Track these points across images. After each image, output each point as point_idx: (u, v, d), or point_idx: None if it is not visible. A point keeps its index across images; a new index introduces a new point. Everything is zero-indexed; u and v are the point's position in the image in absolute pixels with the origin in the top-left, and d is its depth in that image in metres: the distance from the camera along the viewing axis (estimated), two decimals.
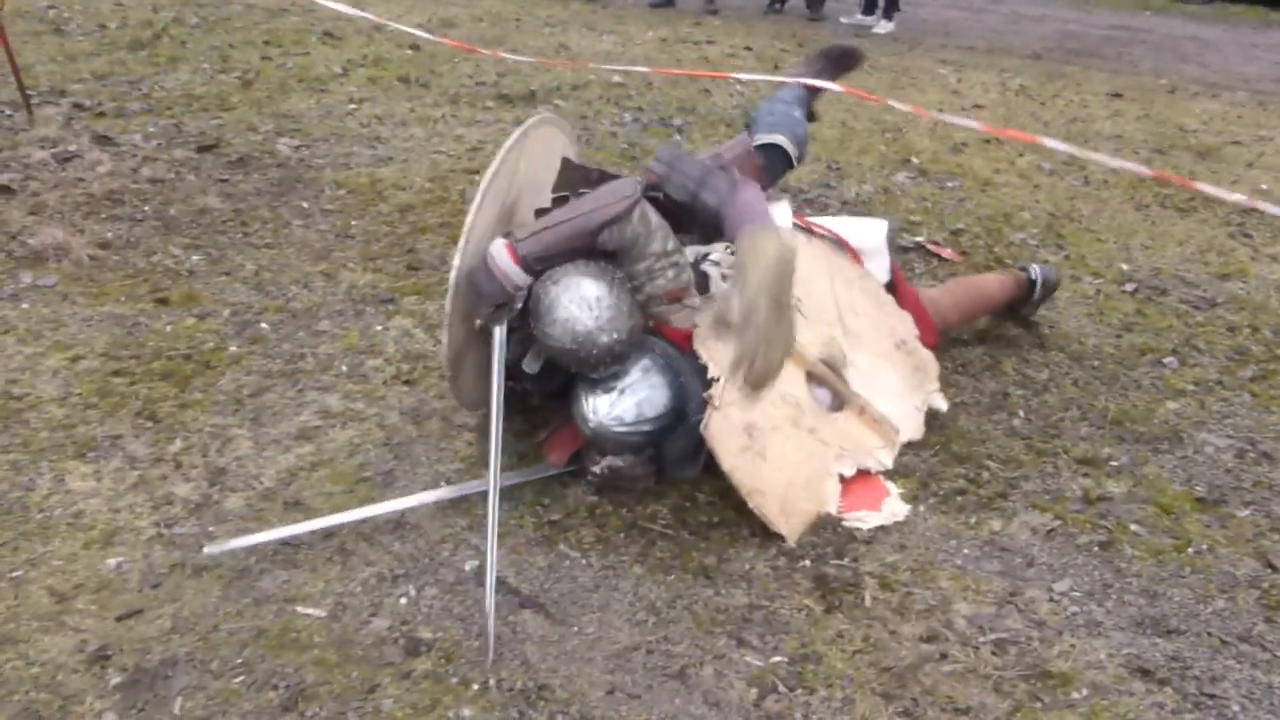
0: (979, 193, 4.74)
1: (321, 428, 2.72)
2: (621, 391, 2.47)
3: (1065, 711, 2.07)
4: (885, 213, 4.39)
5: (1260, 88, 7.09)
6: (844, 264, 3.05)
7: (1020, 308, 3.48)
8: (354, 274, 3.49)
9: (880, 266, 3.10)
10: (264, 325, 3.16)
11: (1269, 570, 2.48)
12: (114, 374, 2.85)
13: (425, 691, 1.98)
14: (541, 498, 2.54)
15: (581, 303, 2.38)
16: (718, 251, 2.74)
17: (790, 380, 2.67)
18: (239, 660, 2.01)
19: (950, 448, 2.83)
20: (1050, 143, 3.68)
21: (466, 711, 1.95)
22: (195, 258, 3.51)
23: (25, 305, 3.17)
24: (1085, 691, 2.10)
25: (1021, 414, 3.02)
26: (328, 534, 2.34)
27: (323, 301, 3.31)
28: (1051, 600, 2.33)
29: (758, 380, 2.29)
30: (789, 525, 2.45)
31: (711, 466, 2.53)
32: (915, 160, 5.05)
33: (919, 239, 4.15)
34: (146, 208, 3.81)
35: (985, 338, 3.43)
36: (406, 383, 2.95)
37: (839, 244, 3.07)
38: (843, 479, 2.62)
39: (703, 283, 2.68)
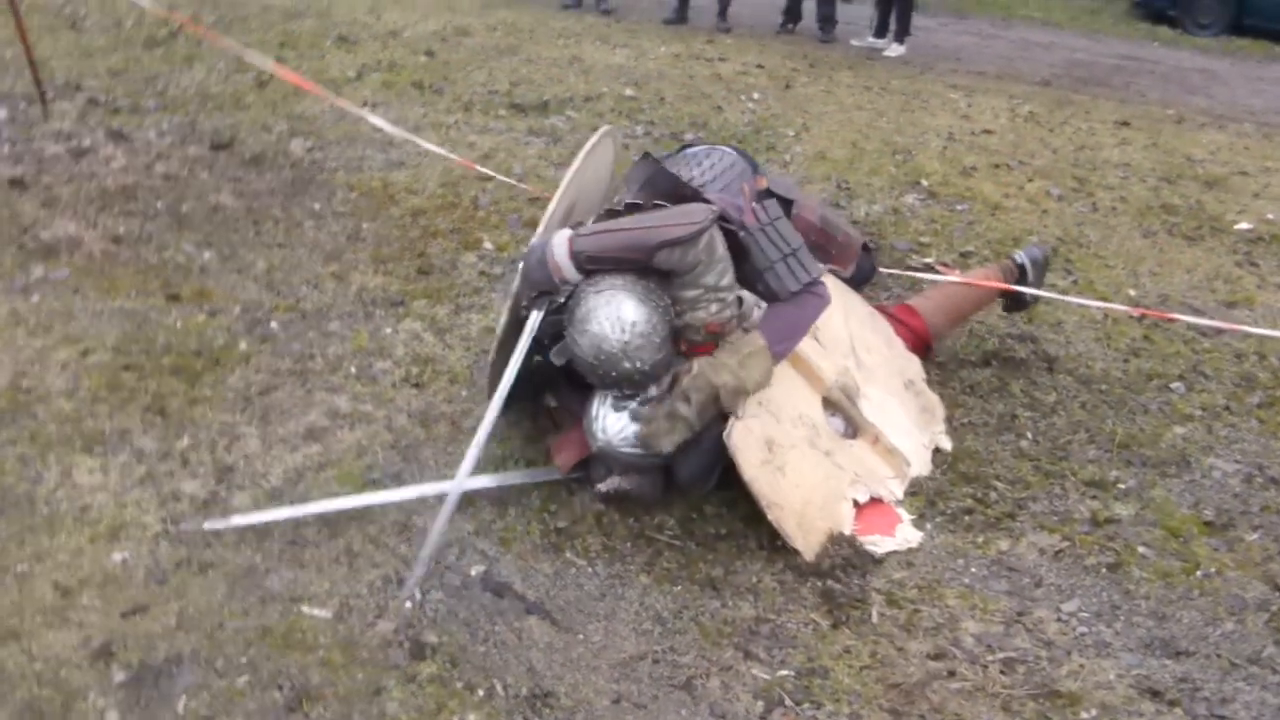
0: (989, 216, 4.74)
1: (329, 428, 2.71)
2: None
3: None
4: (895, 234, 4.40)
5: (1266, 120, 7.11)
6: (856, 301, 3.07)
7: (1020, 300, 3.48)
8: (364, 276, 3.49)
9: None
10: (274, 324, 3.15)
11: (1278, 593, 2.47)
12: (124, 368, 2.84)
13: (431, 695, 1.97)
14: (549, 504, 2.53)
15: (616, 323, 2.34)
16: None
17: (807, 403, 2.68)
18: (243, 659, 2.00)
19: (958, 467, 2.83)
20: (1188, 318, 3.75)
21: (471, 716, 1.94)
22: (207, 255, 3.51)
23: (36, 298, 3.16)
24: (1094, 711, 2.09)
25: (1029, 435, 3.02)
26: (333, 535, 2.34)
27: (333, 302, 3.31)
28: (1060, 620, 2.32)
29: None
30: (806, 541, 2.44)
31: (721, 480, 2.53)
32: (925, 183, 5.06)
33: (928, 260, 4.15)
34: (159, 204, 3.81)
35: (992, 360, 3.43)
36: (415, 386, 2.94)
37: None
38: (857, 504, 2.60)
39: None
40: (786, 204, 2.92)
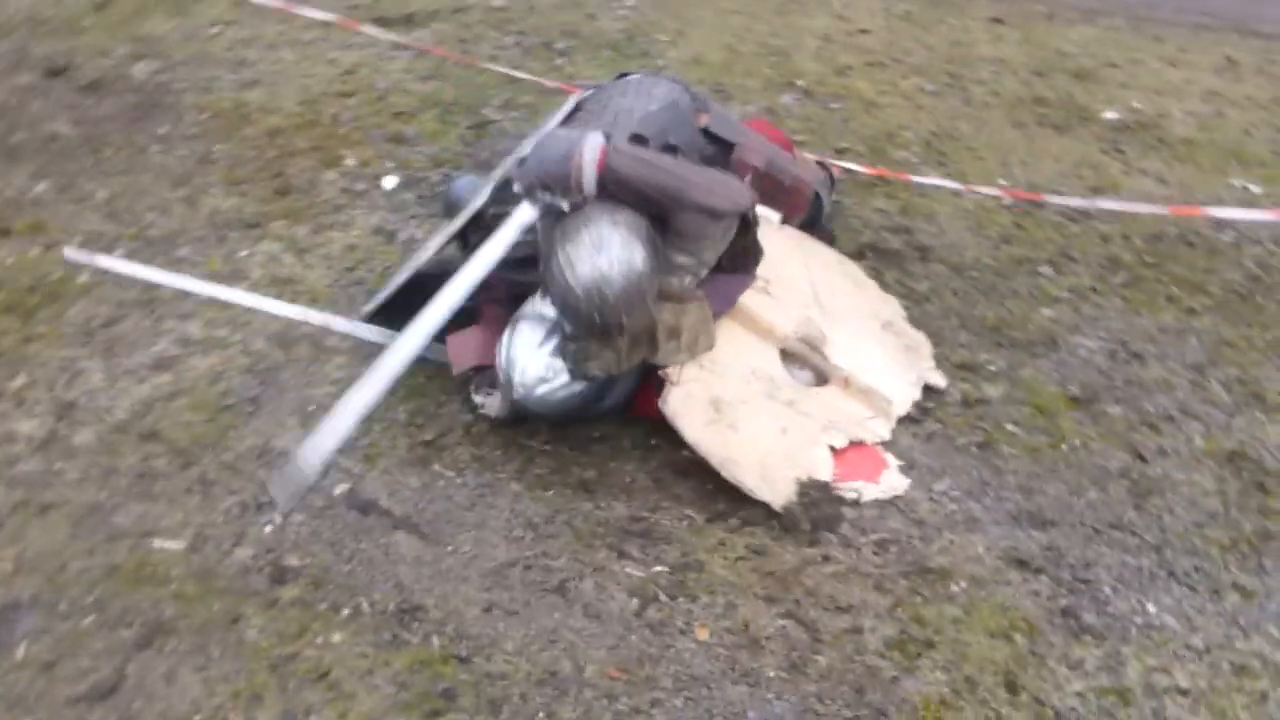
0: (863, 113, 4.72)
1: (180, 356, 2.57)
2: (557, 370, 2.31)
3: (945, 604, 2.10)
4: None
5: (1136, 12, 7.21)
6: (819, 248, 2.98)
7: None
8: (216, 199, 3.31)
9: None
10: (118, 254, 2.97)
11: (1139, 461, 2.54)
12: None
13: (293, 619, 1.90)
14: (416, 418, 2.45)
15: (627, 268, 2.16)
16: None
17: (760, 356, 2.57)
18: (90, 599, 1.90)
19: None
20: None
21: (336, 636, 1.88)
22: (41, 186, 3.28)
23: None
24: (964, 584, 2.13)
25: None
26: (186, 464, 2.23)
27: (182, 228, 3.14)
28: (931, 500, 2.35)
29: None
30: (773, 492, 2.30)
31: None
32: (800, 83, 5.01)
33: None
34: None
35: (867, 251, 3.42)
36: None
37: None
38: (835, 450, 2.45)
39: None
40: (727, 146, 2.75)
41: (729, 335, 2.54)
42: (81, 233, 3.05)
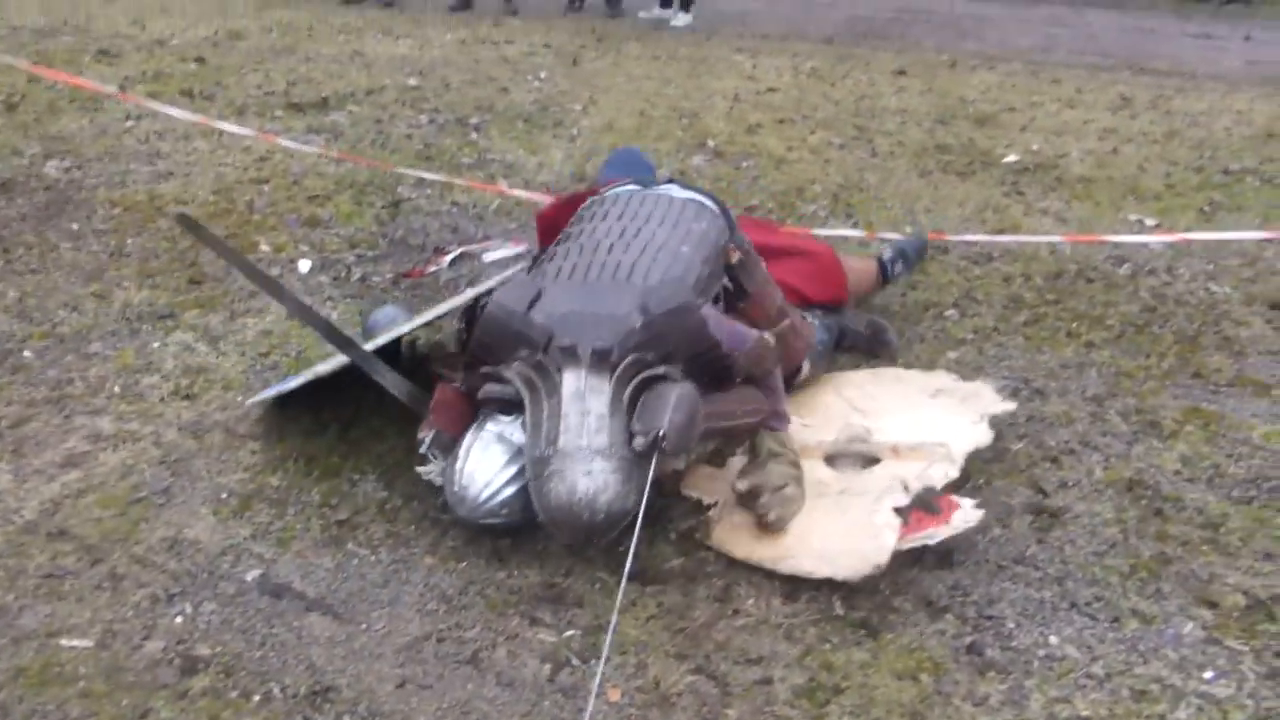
0: (773, 170, 4.87)
1: (91, 452, 2.57)
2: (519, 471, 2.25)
3: (853, 649, 2.14)
4: None
5: (1033, 58, 7.55)
6: (841, 377, 2.95)
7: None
8: (128, 292, 3.33)
9: None
10: (27, 353, 2.97)
11: (1040, 496, 2.62)
12: None
13: (203, 709, 1.90)
14: (330, 498, 2.47)
15: (587, 503, 2.09)
16: None
17: (805, 469, 2.50)
18: None
19: None
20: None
21: None
22: None
23: None
24: (873, 628, 2.17)
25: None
26: (95, 561, 2.22)
27: (94, 323, 3.15)
28: None
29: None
30: (835, 567, 2.24)
31: None
32: (711, 143, 5.16)
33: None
34: None
35: None
36: (186, 397, 2.82)
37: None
38: (903, 512, 2.35)
39: None
40: (742, 293, 2.61)
41: None
42: None
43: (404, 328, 2.71)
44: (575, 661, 2.06)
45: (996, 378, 3.18)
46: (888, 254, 3.51)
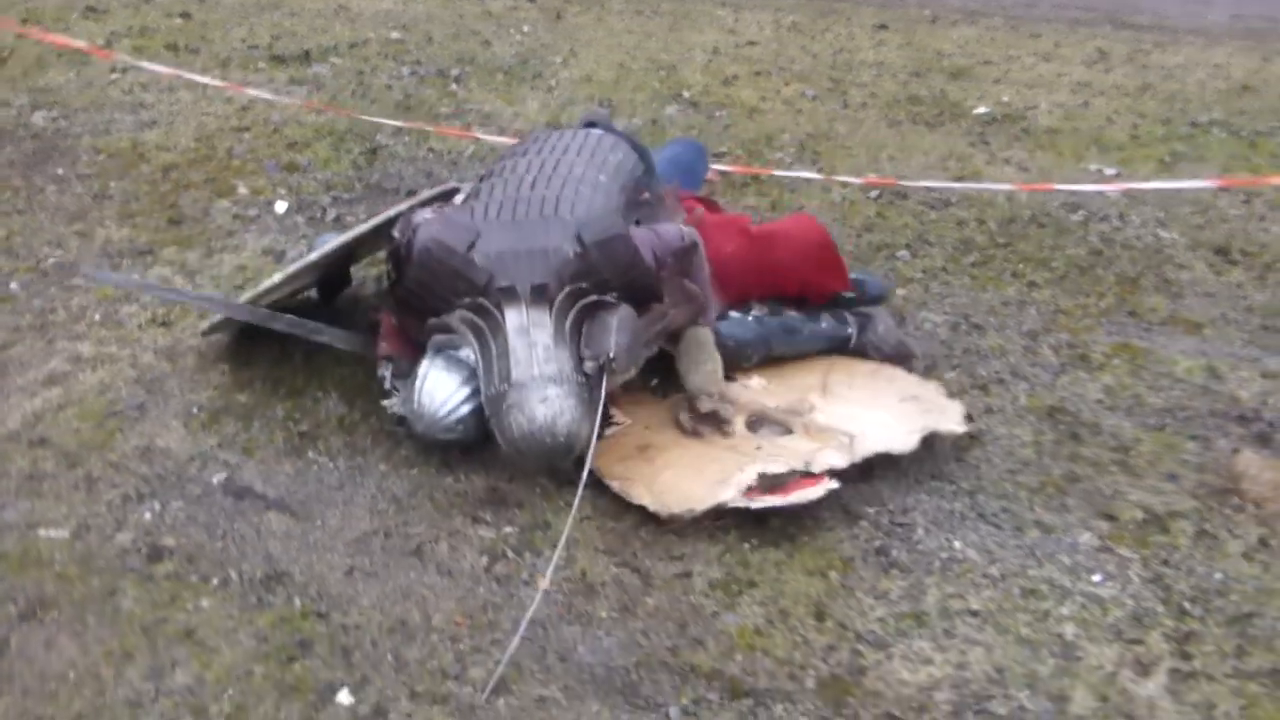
0: (745, 119, 4.99)
1: (71, 372, 2.75)
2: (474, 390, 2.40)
3: (770, 549, 2.32)
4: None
5: (1014, 13, 7.59)
6: (848, 362, 2.92)
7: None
8: (109, 231, 3.49)
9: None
10: (13, 285, 3.14)
11: (966, 420, 2.77)
12: None
13: (165, 590, 2.09)
14: (294, 413, 2.64)
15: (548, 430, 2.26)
16: None
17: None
18: None
19: None
20: None
21: (205, 602, 2.06)
22: None
23: None
24: (791, 532, 2.35)
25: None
26: (72, 465, 2.40)
27: (77, 258, 3.31)
28: None
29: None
30: (660, 503, 2.35)
31: None
32: (687, 94, 5.28)
33: None
34: None
35: None
36: (163, 325, 2.99)
37: None
38: (772, 478, 2.39)
39: None
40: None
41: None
42: None
43: (341, 238, 2.82)
44: (510, 555, 2.24)
45: (938, 313, 3.34)
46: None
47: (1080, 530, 2.45)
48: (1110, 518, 2.49)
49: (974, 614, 2.17)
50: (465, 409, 2.42)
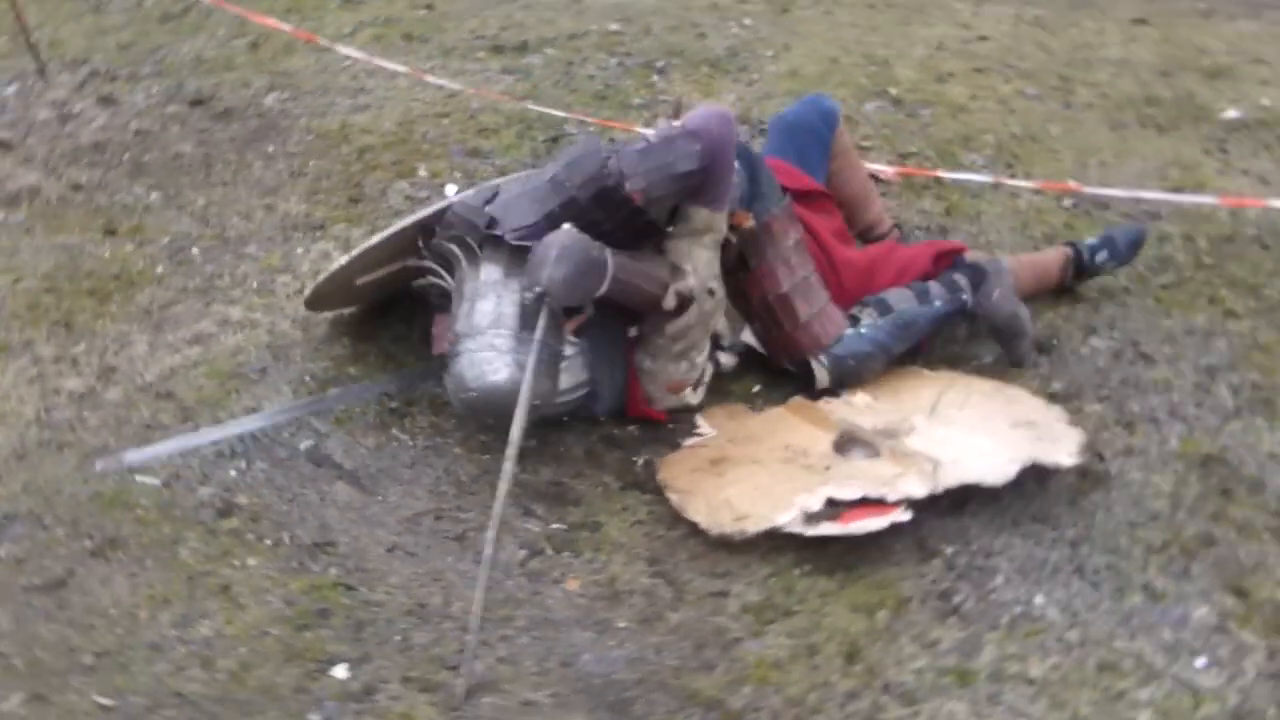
0: (948, 118, 4.70)
1: (216, 334, 2.98)
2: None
3: (822, 577, 2.17)
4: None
5: None
6: (969, 380, 2.74)
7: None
8: (292, 205, 3.75)
9: None
10: (195, 250, 3.45)
11: (1096, 459, 2.47)
12: (46, 291, 3.17)
13: (222, 544, 2.22)
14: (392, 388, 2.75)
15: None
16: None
17: (805, 437, 2.49)
18: (69, 517, 2.29)
19: None
20: None
21: (252, 561, 2.18)
22: (153, 196, 3.83)
23: None
24: (851, 560, 2.18)
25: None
26: (186, 419, 2.61)
27: (258, 230, 3.59)
28: None
29: None
30: (714, 517, 2.26)
31: None
32: (893, 90, 5.03)
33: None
34: (126, 156, 4.15)
35: None
36: None
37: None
38: (834, 502, 2.24)
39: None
40: (744, 266, 2.68)
41: (778, 421, 2.57)
42: (171, 233, 3.55)
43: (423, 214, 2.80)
44: (549, 551, 2.23)
45: (1104, 337, 3.01)
46: (1091, 240, 3.17)
47: (1198, 603, 2.12)
48: (1241, 593, 2.13)
49: (1030, 682, 1.93)
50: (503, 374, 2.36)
